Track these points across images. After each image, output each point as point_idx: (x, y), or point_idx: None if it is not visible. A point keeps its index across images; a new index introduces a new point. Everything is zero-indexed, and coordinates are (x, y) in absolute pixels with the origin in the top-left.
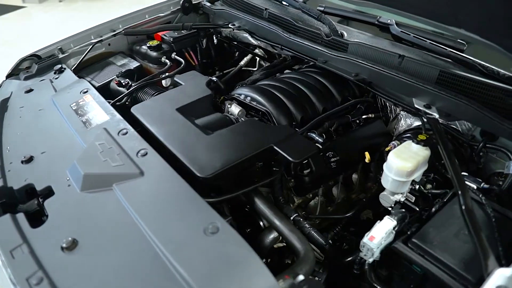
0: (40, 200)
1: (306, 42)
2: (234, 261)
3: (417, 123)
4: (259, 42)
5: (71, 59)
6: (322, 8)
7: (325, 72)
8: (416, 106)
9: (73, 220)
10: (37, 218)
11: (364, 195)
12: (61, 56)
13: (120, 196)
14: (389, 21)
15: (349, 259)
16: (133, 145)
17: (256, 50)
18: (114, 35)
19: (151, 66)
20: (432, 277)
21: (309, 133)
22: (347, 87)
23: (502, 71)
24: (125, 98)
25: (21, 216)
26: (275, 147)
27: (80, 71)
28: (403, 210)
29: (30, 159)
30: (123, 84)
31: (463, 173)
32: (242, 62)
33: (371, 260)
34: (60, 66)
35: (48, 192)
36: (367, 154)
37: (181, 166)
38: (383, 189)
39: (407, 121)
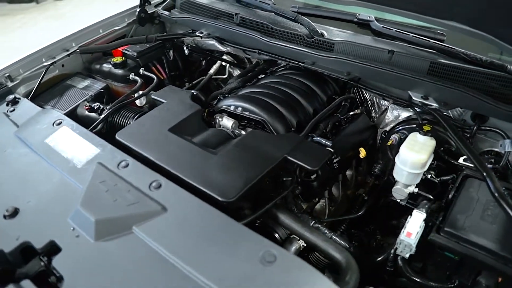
0: (44, 259)
1: (289, 45)
2: (303, 285)
3: (405, 114)
4: (228, 48)
5: (20, 86)
6: (296, 9)
7: (305, 73)
8: (414, 98)
9: (98, 275)
10: (43, 280)
11: (363, 190)
12: (10, 84)
13: (146, 238)
14: (369, 17)
15: (380, 258)
16: (141, 178)
17: (224, 57)
18: (68, 55)
19: (117, 85)
20: (471, 261)
21: (314, 138)
22: (328, 86)
23: (484, 57)
24: (101, 124)
25: (27, 284)
26: (289, 158)
27: (34, 99)
28: (426, 201)
29: (14, 212)
30: (95, 109)
31: (464, 157)
32: (212, 71)
33: (407, 255)
34: (13, 96)
35: (52, 248)
36: (362, 150)
37: (195, 194)
38: (379, 182)
39: (393, 113)
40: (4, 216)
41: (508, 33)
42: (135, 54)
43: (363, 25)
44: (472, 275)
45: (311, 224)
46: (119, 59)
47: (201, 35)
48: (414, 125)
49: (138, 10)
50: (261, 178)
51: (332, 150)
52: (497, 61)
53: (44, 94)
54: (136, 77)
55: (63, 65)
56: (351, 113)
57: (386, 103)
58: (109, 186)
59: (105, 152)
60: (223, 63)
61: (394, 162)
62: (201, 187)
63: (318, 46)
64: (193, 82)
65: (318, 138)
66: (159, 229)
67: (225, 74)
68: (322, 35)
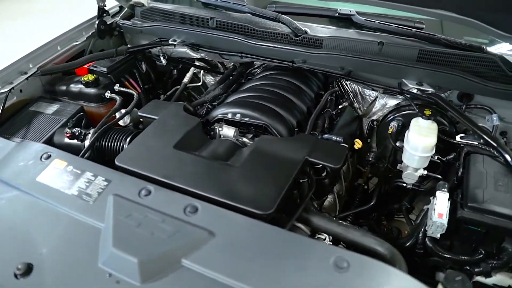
0: None
1: (277, 45)
2: (385, 284)
3: (392, 102)
4: (202, 54)
5: None
6: (273, 9)
7: (289, 72)
8: (409, 85)
9: None
10: None
11: (361, 180)
12: None
13: (201, 268)
14: (350, 11)
15: (409, 243)
16: (172, 204)
17: (197, 63)
18: (27, 78)
19: (91, 106)
20: (496, 230)
21: (323, 136)
22: (313, 82)
23: (462, 41)
24: (88, 152)
25: None
26: (310, 159)
27: None
28: (443, 182)
29: (28, 269)
30: (76, 135)
31: (460, 134)
32: (186, 79)
33: (439, 235)
34: None
35: None
36: (358, 141)
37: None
38: (376, 170)
39: (380, 102)
40: (16, 276)
41: (494, 18)
42: (105, 70)
43: (344, 20)
44: (496, 243)
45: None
46: (90, 77)
47: (174, 43)
48: (409, 111)
49: (96, 22)
50: (291, 183)
51: (347, 146)
52: (475, 44)
53: (5, 126)
54: (113, 95)
55: (21, 90)
56: (340, 106)
57: (373, 93)
58: (138, 219)
59: (117, 181)
60: (196, 71)
61: (396, 149)
62: (236, 204)
63: (306, 44)
64: (168, 93)
65: (328, 135)
66: (213, 255)
67: (198, 82)
68: (306, 32)
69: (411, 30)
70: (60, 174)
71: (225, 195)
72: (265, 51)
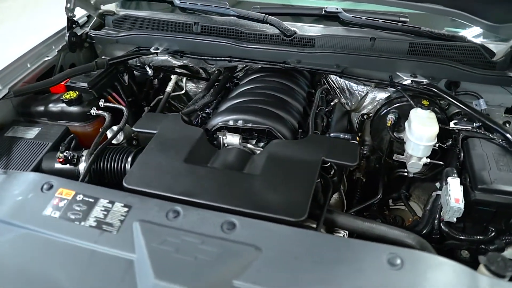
0: None
1: (269, 47)
2: (443, 275)
3: (381, 95)
4: (185, 61)
5: None
6: (258, 10)
7: (277, 73)
8: (404, 78)
9: None
10: None
11: (359, 173)
12: None
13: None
14: (336, 9)
15: (425, 230)
16: (206, 223)
17: (178, 71)
18: None
19: (76, 126)
20: (506, 208)
21: (330, 135)
22: (302, 81)
23: (444, 32)
24: (87, 177)
25: None
26: (327, 159)
27: None
28: (450, 168)
29: None
30: (69, 159)
31: (454, 120)
32: (169, 89)
33: (455, 219)
34: None
35: None
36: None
37: None
38: (370, 163)
39: (370, 96)
40: None
41: (482, 8)
42: (86, 85)
43: (331, 17)
44: (504, 220)
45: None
46: (72, 94)
47: (157, 51)
48: (404, 103)
49: (67, 34)
50: (315, 185)
51: (356, 142)
52: (458, 34)
53: None
54: (100, 112)
55: None
56: (331, 104)
57: (362, 88)
58: (175, 244)
59: (138, 206)
60: (178, 79)
61: (397, 141)
62: (268, 214)
63: (298, 44)
64: (151, 105)
65: (335, 134)
66: (265, 272)
67: (180, 90)
68: (295, 33)
69: (397, 24)
70: (70, 205)
71: (255, 206)
72: (257, 53)
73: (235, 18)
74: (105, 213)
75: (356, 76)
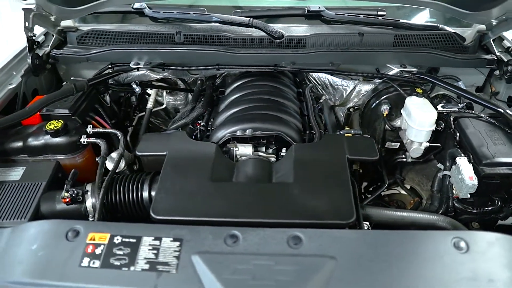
0: None
1: (262, 51)
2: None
3: (365, 87)
4: (164, 74)
5: None
6: (240, 15)
7: (263, 77)
8: (395, 69)
9: None
10: None
11: (355, 165)
12: None
13: None
14: (319, 7)
15: (442, 209)
16: (270, 242)
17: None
18: None
19: (64, 158)
20: (508, 178)
21: (340, 132)
22: (288, 81)
23: (421, 23)
24: (97, 214)
25: None
26: (350, 157)
27: None
28: (453, 149)
29: None
30: (73, 196)
31: (441, 104)
32: (150, 105)
33: (469, 195)
34: None
35: None
36: (347, 129)
37: None
38: None
39: (356, 89)
40: None
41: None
42: (67, 111)
43: (314, 16)
44: (505, 189)
45: None
46: (55, 123)
47: (139, 66)
48: (394, 93)
49: (29, 56)
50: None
51: (369, 136)
52: (431, 24)
53: None
54: (92, 139)
55: None
56: (320, 100)
57: (346, 82)
58: (248, 271)
59: (189, 237)
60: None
61: (393, 130)
62: (320, 221)
63: (289, 45)
64: (134, 124)
65: (345, 130)
66: (348, 280)
67: (161, 105)
68: (283, 35)
69: (378, 18)
70: (109, 251)
71: (305, 216)
72: (248, 58)
73: (217, 24)
74: (155, 251)
75: (347, 71)
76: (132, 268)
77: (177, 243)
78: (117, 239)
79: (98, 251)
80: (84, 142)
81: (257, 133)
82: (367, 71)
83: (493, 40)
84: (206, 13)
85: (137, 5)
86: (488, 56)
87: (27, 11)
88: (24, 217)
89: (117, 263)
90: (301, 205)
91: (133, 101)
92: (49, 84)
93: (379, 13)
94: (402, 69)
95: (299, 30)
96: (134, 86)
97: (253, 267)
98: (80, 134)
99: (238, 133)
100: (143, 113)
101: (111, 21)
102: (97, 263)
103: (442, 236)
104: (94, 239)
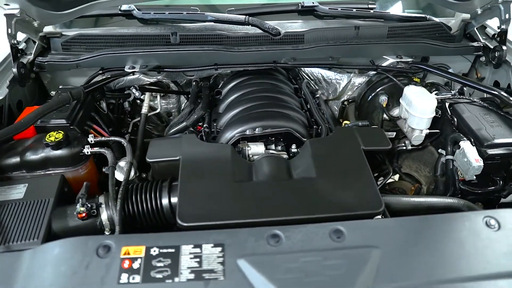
0: None
1: (263, 48)
2: None
3: (359, 80)
4: (159, 77)
5: None
6: (234, 12)
7: (262, 75)
8: (391, 60)
9: None
10: None
11: None
12: None
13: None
14: (313, 2)
15: (450, 192)
16: (314, 237)
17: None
18: None
19: (67, 171)
20: (507, 157)
21: (349, 124)
22: (283, 77)
23: (410, 14)
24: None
25: None
26: (366, 148)
27: None
28: (455, 134)
29: None
30: (90, 211)
31: (435, 91)
32: (145, 110)
33: (474, 177)
34: None
35: None
36: (346, 122)
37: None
38: None
39: (350, 82)
40: None
41: None
42: (65, 121)
43: (308, 12)
44: (504, 169)
45: None
46: (56, 135)
47: (134, 70)
48: (390, 83)
49: (14, 65)
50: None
51: (378, 127)
52: (419, 15)
53: None
54: (96, 149)
55: None
56: (317, 96)
57: (339, 76)
58: (299, 269)
59: (230, 242)
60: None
61: (392, 120)
62: (352, 213)
63: (288, 41)
64: (129, 130)
65: (353, 122)
66: (397, 267)
67: (155, 109)
68: (279, 31)
69: (370, 11)
70: (148, 264)
71: (337, 209)
72: (248, 56)
73: (212, 23)
74: (197, 259)
75: (344, 65)
76: (176, 279)
77: (219, 249)
78: (154, 251)
79: (135, 265)
80: (88, 152)
81: (267, 131)
82: (362, 64)
83: (476, 29)
84: (201, 12)
85: (124, 7)
86: (475, 44)
87: (9, 16)
88: (37, 237)
89: (159, 276)
90: (331, 199)
91: (126, 107)
92: (32, 94)
93: (370, 6)
94: (399, 60)
95: (295, 26)
96: (134, 90)
97: (303, 264)
98: (82, 145)
99: (248, 132)
100: (137, 119)
101: (93, 25)
102: (137, 278)
103: (474, 217)
104: (128, 253)
